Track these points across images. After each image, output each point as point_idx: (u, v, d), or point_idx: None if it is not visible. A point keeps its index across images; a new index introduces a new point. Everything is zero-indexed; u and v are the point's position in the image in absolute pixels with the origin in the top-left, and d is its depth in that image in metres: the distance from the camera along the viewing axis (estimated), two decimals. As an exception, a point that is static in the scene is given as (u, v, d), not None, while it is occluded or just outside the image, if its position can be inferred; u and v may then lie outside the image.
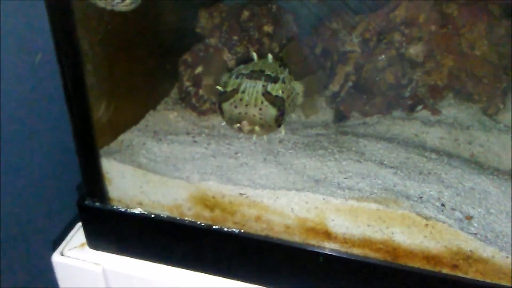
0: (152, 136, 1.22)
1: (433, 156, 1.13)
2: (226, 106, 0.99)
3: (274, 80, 1.02)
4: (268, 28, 1.34)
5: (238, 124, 0.98)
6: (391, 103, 1.33)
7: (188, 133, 1.25)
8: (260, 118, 0.97)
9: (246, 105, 0.96)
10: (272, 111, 0.98)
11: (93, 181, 1.15)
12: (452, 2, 1.29)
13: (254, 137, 1.14)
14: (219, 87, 1.04)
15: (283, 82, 1.04)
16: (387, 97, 1.32)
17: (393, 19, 1.32)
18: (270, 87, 1.00)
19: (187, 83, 1.37)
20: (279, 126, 1.02)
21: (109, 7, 0.96)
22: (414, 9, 1.29)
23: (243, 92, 0.98)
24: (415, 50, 1.31)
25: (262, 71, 1.04)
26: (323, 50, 1.42)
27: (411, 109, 1.33)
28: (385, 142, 1.18)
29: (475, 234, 0.96)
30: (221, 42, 1.35)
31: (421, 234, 0.99)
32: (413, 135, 1.23)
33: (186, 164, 1.13)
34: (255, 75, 1.02)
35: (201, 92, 1.33)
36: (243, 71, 1.04)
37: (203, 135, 1.24)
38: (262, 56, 1.14)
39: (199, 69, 1.35)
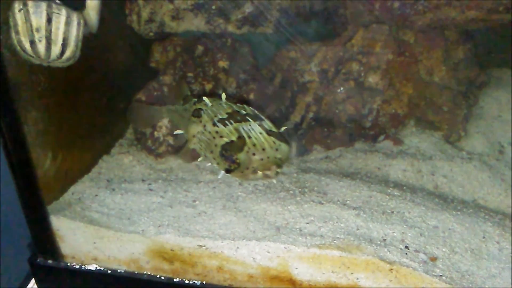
0: (105, 186, 1.16)
1: (396, 192, 1.10)
2: (243, 156, 0.89)
3: (258, 118, 0.96)
4: (223, 63, 1.29)
5: (266, 171, 0.89)
6: (352, 135, 1.30)
7: (143, 180, 1.19)
8: (280, 159, 0.90)
9: (264, 149, 0.89)
10: (286, 148, 0.92)
11: (43, 239, 1.09)
12: (408, 29, 1.28)
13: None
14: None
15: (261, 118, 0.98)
16: (349, 129, 1.30)
17: (350, 48, 1.29)
18: (265, 125, 0.93)
19: (142, 124, 1.31)
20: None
21: (45, 64, 0.90)
22: (370, 38, 1.27)
23: (250, 137, 0.90)
24: (373, 79, 1.28)
25: (237, 111, 0.97)
26: (282, 81, 1.38)
27: (373, 139, 1.31)
28: (348, 179, 1.15)
29: (440, 276, 0.94)
30: (175, 79, 1.30)
31: (386, 279, 0.96)
32: (376, 169, 1.21)
33: (141, 217, 1.07)
34: (238, 117, 0.94)
35: (156, 134, 1.27)
36: (219, 116, 0.97)
37: (160, 180, 1.18)
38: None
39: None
